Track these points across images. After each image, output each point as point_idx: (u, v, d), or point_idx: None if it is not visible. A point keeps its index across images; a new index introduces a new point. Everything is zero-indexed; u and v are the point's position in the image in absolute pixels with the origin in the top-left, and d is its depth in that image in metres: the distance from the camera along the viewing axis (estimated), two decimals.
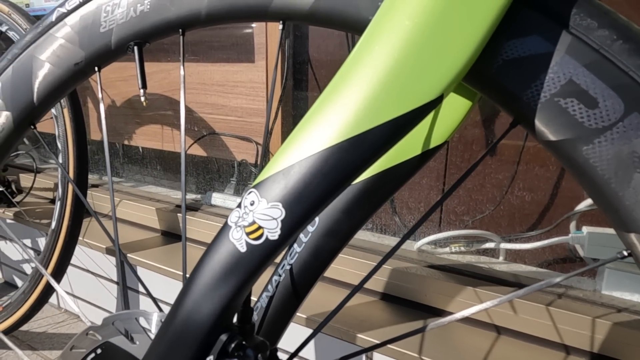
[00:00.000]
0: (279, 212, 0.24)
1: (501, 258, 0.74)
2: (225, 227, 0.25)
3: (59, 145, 0.85)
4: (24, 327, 0.96)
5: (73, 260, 0.96)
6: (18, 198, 1.13)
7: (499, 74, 0.25)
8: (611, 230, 0.63)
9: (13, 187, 1.10)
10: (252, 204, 0.24)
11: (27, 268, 1.17)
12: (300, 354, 0.71)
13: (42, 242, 1.11)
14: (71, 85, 0.41)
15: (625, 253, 0.24)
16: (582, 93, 0.24)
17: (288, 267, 0.37)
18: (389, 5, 0.24)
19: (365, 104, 0.23)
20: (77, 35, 0.39)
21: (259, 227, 0.24)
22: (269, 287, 0.37)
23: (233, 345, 0.24)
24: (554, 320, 0.58)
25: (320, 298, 0.72)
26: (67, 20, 0.39)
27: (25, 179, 1.21)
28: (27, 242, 1.14)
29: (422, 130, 0.33)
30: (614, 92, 0.23)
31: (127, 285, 0.91)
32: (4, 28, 0.90)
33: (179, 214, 0.96)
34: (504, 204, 0.73)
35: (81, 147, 0.84)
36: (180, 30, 0.36)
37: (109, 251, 0.93)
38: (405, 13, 0.23)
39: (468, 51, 0.23)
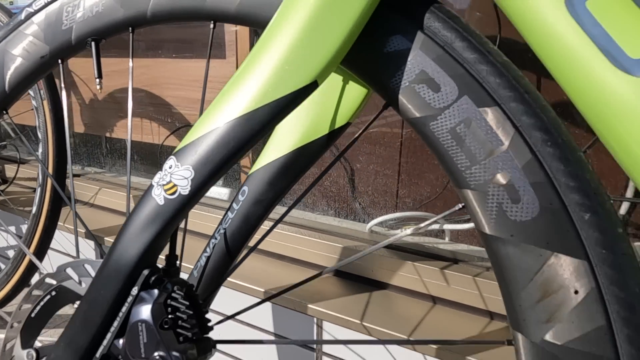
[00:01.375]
0: (190, 173, 0.30)
1: (447, 238, 0.81)
2: (149, 187, 0.31)
3: (40, 135, 0.90)
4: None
5: (55, 245, 1.02)
6: (2, 187, 1.18)
7: (374, 66, 0.32)
8: None
9: None
10: (170, 167, 0.30)
11: (11, 253, 1.22)
12: (256, 322, 0.78)
13: (25, 229, 1.17)
14: (39, 75, 0.47)
15: (460, 206, 0.31)
16: (430, 80, 0.30)
17: (223, 231, 0.43)
18: (280, 10, 0.31)
19: (255, 88, 0.29)
20: (43, 32, 0.45)
21: (174, 185, 0.30)
22: (207, 248, 0.44)
23: (153, 278, 0.30)
24: (480, 289, 0.64)
25: (279, 274, 0.79)
26: (34, 19, 0.45)
27: (11, 170, 1.26)
28: (12, 229, 1.19)
29: (328, 114, 0.39)
30: (452, 79, 0.30)
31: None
32: None
33: None
34: (450, 189, 0.79)
35: (60, 136, 0.89)
36: (130, 28, 0.42)
37: (87, 235, 0.99)
38: (289, 17, 0.30)
39: (334, 48, 0.29)
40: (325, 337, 0.71)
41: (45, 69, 0.46)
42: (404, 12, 0.31)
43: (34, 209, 0.90)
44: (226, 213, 0.43)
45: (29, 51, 0.45)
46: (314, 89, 0.30)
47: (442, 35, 0.30)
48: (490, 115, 0.29)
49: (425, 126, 0.30)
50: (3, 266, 1.25)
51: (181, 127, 1.09)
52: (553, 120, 0.28)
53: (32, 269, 0.93)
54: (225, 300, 0.79)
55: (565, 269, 0.26)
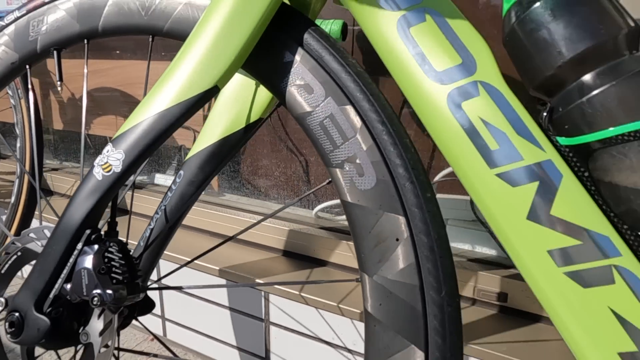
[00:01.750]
0: (122, 155, 0.39)
1: None
2: (92, 167, 0.40)
3: (17, 131, 0.98)
4: None
5: None
6: None
7: (269, 73, 0.41)
8: (454, 196, 0.80)
9: None
10: (107, 151, 0.40)
11: None
12: (213, 298, 0.87)
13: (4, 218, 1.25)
14: (10, 78, 0.55)
15: (329, 180, 0.40)
16: (307, 85, 0.40)
17: (163, 208, 0.52)
18: (193, 30, 0.40)
19: (169, 91, 0.38)
20: (13, 42, 0.53)
21: (109, 165, 0.39)
22: (151, 222, 0.53)
23: (94, 236, 0.39)
24: None
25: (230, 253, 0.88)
26: (6, 31, 0.54)
27: None
28: None
29: (244, 111, 0.49)
30: (321, 85, 0.39)
31: None
32: None
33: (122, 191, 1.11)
34: None
35: (37, 131, 0.98)
36: (85, 40, 0.51)
37: None
38: (197, 35, 0.39)
39: (229, 61, 0.38)
40: (272, 308, 0.81)
41: (16, 73, 0.55)
42: (290, 33, 0.41)
43: (13, 199, 0.98)
44: (166, 193, 0.52)
45: (2, 58, 0.54)
46: (216, 92, 0.39)
47: (315, 51, 0.40)
48: (347, 111, 0.38)
49: (304, 120, 0.40)
50: None
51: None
52: (389, 116, 0.38)
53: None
54: (184, 274, 0.89)
55: (391, 223, 0.36)
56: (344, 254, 0.81)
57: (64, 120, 1.40)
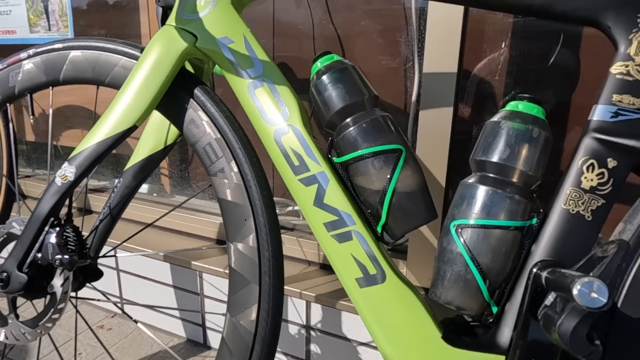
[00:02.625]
0: (74, 169, 0.61)
1: (301, 217, 1.14)
2: (54, 177, 0.61)
3: None
4: None
5: None
6: None
7: (174, 115, 0.63)
8: None
9: None
10: (65, 166, 0.61)
11: None
12: (159, 278, 1.08)
13: None
14: None
15: (209, 185, 0.63)
16: (195, 124, 0.62)
17: (108, 204, 0.74)
18: (123, 84, 0.62)
19: (104, 127, 0.60)
20: None
21: (66, 175, 0.61)
22: (100, 214, 0.74)
23: (56, 222, 0.61)
24: (302, 246, 0.98)
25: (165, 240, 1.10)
26: None
27: None
28: None
29: (162, 137, 0.71)
30: (204, 123, 0.61)
31: None
32: None
33: (89, 195, 1.31)
34: None
35: (10, 146, 1.17)
36: (50, 87, 0.72)
37: None
38: (123, 90, 0.61)
39: (143, 108, 0.60)
40: (205, 285, 1.03)
41: (0, 107, 0.75)
42: (185, 88, 0.63)
43: None
44: (110, 194, 0.74)
45: None
46: (135, 129, 0.61)
47: (200, 101, 0.62)
48: (219, 141, 0.61)
49: (194, 145, 0.62)
50: None
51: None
52: (245, 144, 0.60)
53: None
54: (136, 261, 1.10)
55: (242, 209, 0.58)
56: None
57: (36, 132, 1.58)
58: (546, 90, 0.83)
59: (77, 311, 0.76)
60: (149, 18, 1.22)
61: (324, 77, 0.57)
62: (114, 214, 0.74)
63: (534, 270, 0.44)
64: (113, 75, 0.67)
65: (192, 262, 1.01)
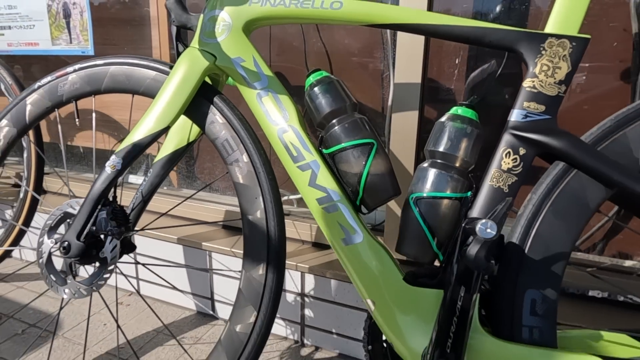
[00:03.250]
0: (120, 161, 0.78)
1: (295, 205, 1.32)
2: (104, 167, 0.78)
3: (24, 144, 1.33)
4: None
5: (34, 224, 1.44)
6: None
7: (198, 118, 0.81)
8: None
9: None
10: (113, 158, 0.78)
11: None
12: (173, 258, 1.25)
13: (7, 212, 1.57)
14: (45, 115, 0.92)
15: (226, 172, 0.81)
16: (214, 124, 0.79)
17: (140, 190, 0.91)
18: (159, 91, 0.79)
19: (144, 127, 0.77)
20: (47, 94, 0.90)
21: (115, 165, 0.78)
22: (134, 198, 0.91)
23: (106, 202, 0.77)
24: (296, 228, 1.15)
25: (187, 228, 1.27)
26: (43, 88, 0.91)
27: None
28: None
29: (186, 136, 0.88)
30: (222, 125, 0.79)
31: None
32: None
33: None
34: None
35: (39, 145, 1.33)
36: (93, 95, 0.89)
37: None
38: (158, 97, 0.78)
39: (174, 113, 0.78)
40: (214, 263, 1.20)
41: (49, 112, 0.92)
42: (207, 97, 0.80)
43: (21, 195, 1.33)
44: (143, 181, 0.91)
45: (39, 104, 0.91)
46: (168, 129, 0.78)
47: (219, 106, 0.80)
48: (234, 138, 0.78)
49: (214, 141, 0.80)
50: None
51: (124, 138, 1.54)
52: (254, 140, 0.78)
53: (21, 233, 1.35)
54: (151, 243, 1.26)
55: (254, 190, 0.76)
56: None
57: (50, 133, 1.73)
58: (488, 97, 1.03)
59: (122, 273, 0.92)
60: (159, 32, 1.38)
61: (316, 89, 0.76)
62: (145, 198, 0.91)
63: (464, 225, 0.63)
64: (146, 86, 0.85)
65: (203, 244, 1.18)
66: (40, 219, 1.49)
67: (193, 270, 1.25)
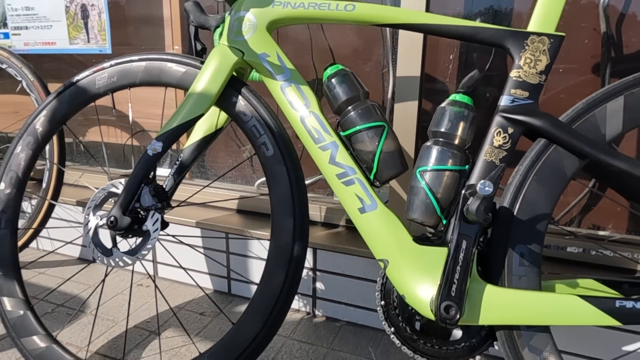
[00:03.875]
0: (161, 144, 0.88)
1: None
2: (146, 149, 0.88)
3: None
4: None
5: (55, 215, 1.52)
6: None
7: (228, 106, 0.92)
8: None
9: None
10: (154, 142, 0.88)
11: None
12: (193, 242, 1.35)
13: (27, 206, 1.65)
14: (84, 106, 1.02)
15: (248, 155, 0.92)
16: (242, 112, 0.90)
17: (172, 172, 1.01)
18: (193, 83, 0.89)
19: (181, 114, 0.88)
20: (87, 88, 1.00)
21: (155, 148, 0.88)
22: (167, 180, 1.01)
23: (148, 181, 0.88)
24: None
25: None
26: (79, 83, 1.00)
27: None
28: None
29: (214, 122, 0.99)
30: (249, 112, 0.90)
31: None
32: (4, 66, 1.44)
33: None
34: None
35: (60, 138, 1.41)
36: (129, 88, 0.99)
37: (79, 204, 1.51)
38: (193, 89, 0.89)
39: (209, 102, 0.88)
40: (231, 243, 1.31)
41: (88, 103, 1.01)
42: (234, 87, 0.91)
43: (44, 185, 1.41)
44: (174, 164, 1.01)
45: (78, 95, 1.01)
46: (202, 115, 0.89)
47: (246, 96, 0.91)
48: (261, 122, 0.89)
49: (244, 126, 0.91)
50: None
51: (137, 132, 1.63)
52: (278, 124, 0.89)
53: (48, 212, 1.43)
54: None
55: (280, 167, 0.87)
56: None
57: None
58: (480, 87, 1.16)
59: (160, 243, 1.02)
60: (172, 32, 1.48)
61: (333, 80, 0.87)
62: (177, 180, 1.01)
63: (464, 192, 0.75)
64: (179, 79, 0.95)
65: (220, 225, 1.28)
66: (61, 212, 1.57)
67: (210, 252, 1.36)
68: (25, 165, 1.03)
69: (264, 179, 1.42)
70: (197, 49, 1.21)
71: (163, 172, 1.61)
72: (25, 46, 1.60)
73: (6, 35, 1.63)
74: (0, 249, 1.01)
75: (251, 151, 1.47)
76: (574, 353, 1.03)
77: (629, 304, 0.69)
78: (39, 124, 1.03)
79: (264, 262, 1.28)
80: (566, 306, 0.71)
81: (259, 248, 1.27)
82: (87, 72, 1.01)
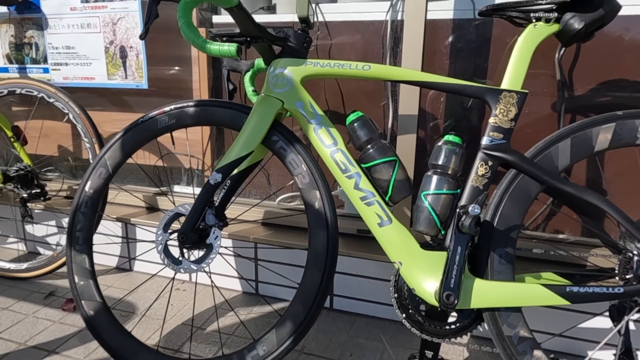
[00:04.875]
0: (220, 175, 1.11)
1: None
2: (208, 180, 1.12)
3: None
4: None
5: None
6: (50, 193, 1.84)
7: (269, 143, 1.16)
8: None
9: (45, 189, 1.82)
10: (214, 174, 1.12)
11: (50, 239, 1.88)
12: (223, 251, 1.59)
13: (65, 220, 1.84)
14: (145, 143, 1.25)
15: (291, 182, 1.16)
16: (282, 149, 1.15)
17: (221, 195, 1.24)
18: (245, 124, 1.14)
19: (234, 152, 1.12)
20: (149, 127, 1.23)
21: (216, 179, 1.11)
22: (217, 200, 1.25)
23: (210, 205, 1.11)
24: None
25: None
26: (142, 125, 1.23)
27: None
28: (52, 222, 1.86)
29: (254, 157, 1.23)
30: (288, 148, 1.15)
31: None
32: (51, 100, 1.65)
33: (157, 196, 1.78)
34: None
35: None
36: (185, 128, 1.22)
37: (119, 220, 1.72)
38: (245, 128, 1.13)
39: (256, 141, 1.13)
40: (259, 251, 1.54)
41: (149, 141, 1.24)
42: (277, 129, 1.16)
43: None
44: (222, 189, 1.25)
45: (140, 135, 1.23)
46: (252, 152, 1.13)
47: (286, 136, 1.15)
48: (298, 157, 1.14)
49: (284, 160, 1.15)
50: (43, 251, 1.90)
51: (164, 154, 1.85)
52: (311, 157, 1.14)
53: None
54: None
55: (313, 194, 1.12)
56: (296, 219, 1.56)
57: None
58: (467, 126, 1.44)
59: (220, 254, 1.25)
60: (199, 70, 1.71)
61: (355, 124, 1.13)
62: (225, 202, 1.25)
63: (458, 210, 1.01)
64: (230, 121, 1.19)
65: (250, 236, 1.52)
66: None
67: (240, 260, 1.59)
68: (99, 189, 1.25)
69: (284, 195, 1.66)
70: (229, 89, 1.46)
71: (181, 190, 1.84)
72: (64, 80, 1.80)
73: (46, 70, 1.82)
74: (81, 261, 1.23)
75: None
76: (537, 330, 1.31)
77: (575, 289, 0.96)
78: (108, 157, 1.25)
79: (286, 266, 1.52)
80: (532, 292, 0.98)
81: (288, 256, 1.52)
82: (150, 115, 1.23)
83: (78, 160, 2.07)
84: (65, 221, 1.85)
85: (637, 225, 0.95)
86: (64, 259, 1.65)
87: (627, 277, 0.98)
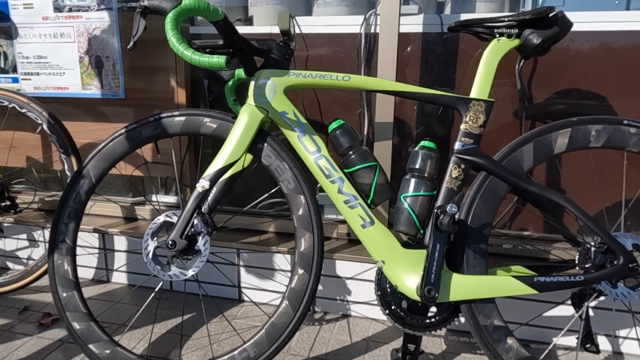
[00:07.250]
0: (208, 183, 1.15)
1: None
2: (195, 186, 1.14)
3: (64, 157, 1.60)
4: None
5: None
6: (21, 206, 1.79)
7: (255, 151, 1.20)
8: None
9: (15, 201, 1.77)
10: (201, 180, 1.15)
11: (20, 253, 1.83)
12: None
13: (37, 233, 1.79)
14: (130, 152, 1.26)
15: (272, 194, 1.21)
16: (268, 156, 1.20)
17: (209, 203, 1.27)
18: (229, 135, 1.17)
19: (220, 159, 1.16)
20: (132, 137, 1.24)
21: (203, 185, 1.14)
22: (205, 206, 1.27)
23: (199, 213, 1.13)
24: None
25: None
26: (125, 134, 1.24)
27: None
28: (23, 235, 1.81)
29: (240, 163, 1.27)
30: (273, 156, 1.19)
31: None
32: (23, 110, 1.62)
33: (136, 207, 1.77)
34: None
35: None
36: (170, 137, 1.24)
37: (95, 230, 1.70)
38: (229, 139, 1.17)
39: (241, 150, 1.17)
40: (241, 255, 1.57)
41: (134, 150, 1.25)
42: (261, 137, 1.20)
43: None
44: (209, 197, 1.28)
45: (125, 143, 1.24)
46: (238, 160, 1.17)
47: (271, 143, 1.20)
48: (284, 164, 1.19)
49: (269, 167, 1.20)
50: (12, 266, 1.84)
51: (141, 164, 1.84)
52: (295, 163, 1.19)
53: None
54: None
55: (299, 199, 1.17)
56: (280, 225, 1.61)
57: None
58: (440, 131, 1.53)
59: (210, 261, 1.27)
60: (177, 80, 1.73)
61: (337, 132, 1.19)
62: (212, 209, 1.27)
63: (435, 210, 1.09)
64: (215, 130, 1.22)
65: (232, 243, 1.55)
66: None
67: (222, 266, 1.61)
68: (82, 199, 1.25)
69: (265, 201, 1.71)
70: (210, 99, 1.50)
71: (165, 199, 1.84)
72: (35, 90, 1.77)
73: (15, 80, 1.79)
74: (63, 272, 1.22)
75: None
76: (507, 321, 1.41)
77: (542, 279, 1.06)
78: (91, 167, 1.25)
79: (270, 271, 1.56)
80: (505, 283, 1.07)
81: (268, 260, 1.55)
82: (134, 125, 1.25)
83: (48, 172, 2.02)
84: (37, 234, 1.81)
85: (593, 219, 1.06)
86: (39, 272, 1.61)
87: (586, 266, 1.09)
